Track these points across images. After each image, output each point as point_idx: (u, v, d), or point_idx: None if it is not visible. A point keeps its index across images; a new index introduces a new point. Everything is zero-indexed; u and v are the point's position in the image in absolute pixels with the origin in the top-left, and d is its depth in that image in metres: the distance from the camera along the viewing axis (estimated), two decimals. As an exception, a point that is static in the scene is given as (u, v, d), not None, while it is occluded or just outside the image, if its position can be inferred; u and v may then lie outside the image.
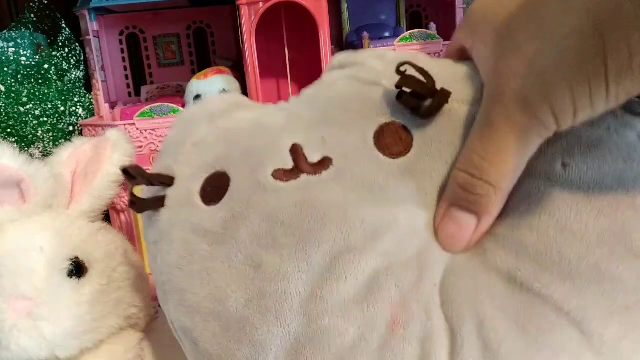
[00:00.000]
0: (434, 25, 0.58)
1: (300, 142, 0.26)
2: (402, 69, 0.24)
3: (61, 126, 0.60)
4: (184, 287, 0.26)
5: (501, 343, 0.22)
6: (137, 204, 0.28)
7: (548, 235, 0.23)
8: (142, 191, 0.29)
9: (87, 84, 0.63)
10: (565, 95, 0.20)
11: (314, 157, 0.25)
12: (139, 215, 0.56)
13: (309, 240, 0.24)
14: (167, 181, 0.28)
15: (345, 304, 0.23)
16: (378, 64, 0.27)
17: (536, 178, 0.23)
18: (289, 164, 0.25)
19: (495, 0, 0.23)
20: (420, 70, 0.24)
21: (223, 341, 0.25)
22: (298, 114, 0.28)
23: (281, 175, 0.25)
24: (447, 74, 0.25)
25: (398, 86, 0.24)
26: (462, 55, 0.27)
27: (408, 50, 0.55)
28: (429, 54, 0.56)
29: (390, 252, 0.24)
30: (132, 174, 0.28)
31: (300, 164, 0.25)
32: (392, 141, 0.25)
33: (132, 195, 0.29)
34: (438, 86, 0.24)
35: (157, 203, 0.28)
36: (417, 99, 0.24)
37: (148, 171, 0.29)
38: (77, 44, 0.63)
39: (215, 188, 0.26)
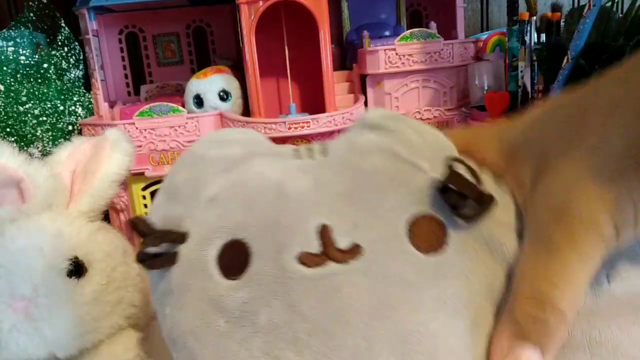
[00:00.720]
0: (434, 24, 0.58)
1: (329, 224, 0.24)
2: (450, 164, 0.23)
3: (60, 125, 0.59)
4: (196, 353, 0.25)
5: None
6: (148, 262, 0.27)
7: (600, 355, 0.22)
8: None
9: (87, 83, 0.63)
10: (628, 209, 0.20)
11: (342, 243, 0.24)
12: (139, 213, 0.56)
13: (332, 344, 0.22)
14: (179, 240, 0.26)
15: None
16: (415, 137, 0.26)
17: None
18: (315, 247, 0.24)
19: (523, 129, 0.23)
20: (469, 169, 0.23)
21: None
22: (326, 183, 0.25)
23: (307, 260, 0.23)
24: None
25: (445, 182, 0.23)
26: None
27: (409, 49, 0.55)
28: (429, 52, 0.56)
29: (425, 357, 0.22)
30: (141, 230, 0.27)
31: (328, 250, 0.24)
32: (426, 235, 0.24)
33: (142, 251, 0.27)
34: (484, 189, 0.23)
35: (169, 261, 0.26)
36: (461, 198, 0.23)
37: (154, 212, 0.28)
38: (77, 43, 0.63)
39: (234, 260, 0.25)
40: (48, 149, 0.58)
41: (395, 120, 0.27)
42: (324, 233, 0.24)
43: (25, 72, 0.59)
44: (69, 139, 0.45)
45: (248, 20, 0.51)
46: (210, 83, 0.56)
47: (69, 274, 0.37)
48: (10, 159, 0.37)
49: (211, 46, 0.68)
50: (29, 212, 0.38)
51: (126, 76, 0.67)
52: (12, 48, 0.59)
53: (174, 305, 0.26)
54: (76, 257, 0.37)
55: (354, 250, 0.23)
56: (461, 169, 0.23)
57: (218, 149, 0.28)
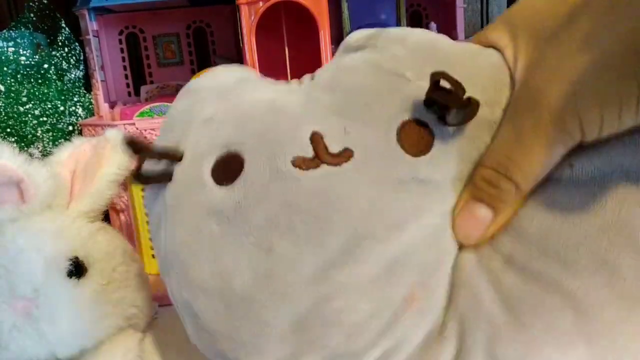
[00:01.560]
0: (434, 25, 0.58)
1: (320, 131, 0.25)
2: (433, 79, 0.24)
3: (61, 126, 0.60)
4: (189, 264, 0.26)
5: (501, 325, 0.23)
6: (142, 177, 0.27)
7: (549, 225, 0.23)
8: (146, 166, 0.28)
9: (87, 83, 0.63)
10: (595, 112, 0.20)
11: (334, 148, 0.25)
12: (139, 213, 0.56)
13: (328, 228, 0.24)
14: (176, 157, 0.27)
15: (362, 285, 0.24)
16: (399, 50, 0.27)
17: (544, 180, 0.24)
18: (309, 152, 0.25)
19: (540, 9, 0.24)
20: (452, 81, 0.24)
21: (226, 318, 0.25)
22: (316, 98, 0.27)
23: (301, 163, 0.25)
24: (471, 68, 0.26)
25: (428, 97, 0.24)
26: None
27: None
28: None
29: (411, 242, 0.24)
30: (137, 147, 0.27)
31: (321, 154, 0.25)
32: (414, 139, 0.25)
33: (137, 167, 0.27)
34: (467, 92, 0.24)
35: (164, 178, 0.27)
36: (445, 108, 0.24)
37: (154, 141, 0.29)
38: (77, 44, 0.63)
39: (227, 169, 0.26)
40: (48, 150, 0.58)
41: (376, 36, 0.28)
42: (316, 139, 0.25)
43: (25, 72, 0.59)
44: (69, 140, 0.45)
45: (248, 20, 0.51)
46: (211, 83, 0.56)
47: (69, 274, 0.37)
48: (10, 159, 0.37)
49: (211, 46, 0.68)
50: (29, 212, 0.38)
51: (126, 77, 0.67)
52: (13, 48, 0.59)
53: (168, 223, 0.27)
54: (76, 257, 0.37)
55: (346, 154, 0.25)
56: (445, 82, 0.24)
57: (212, 79, 0.30)
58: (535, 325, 0.23)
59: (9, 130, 0.58)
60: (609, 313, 0.22)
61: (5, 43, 0.59)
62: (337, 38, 0.63)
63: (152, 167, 0.28)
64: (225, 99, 0.28)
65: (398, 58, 0.26)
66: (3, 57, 0.59)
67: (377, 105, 0.25)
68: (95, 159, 0.42)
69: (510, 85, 0.25)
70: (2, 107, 0.58)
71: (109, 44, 0.65)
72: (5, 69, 0.59)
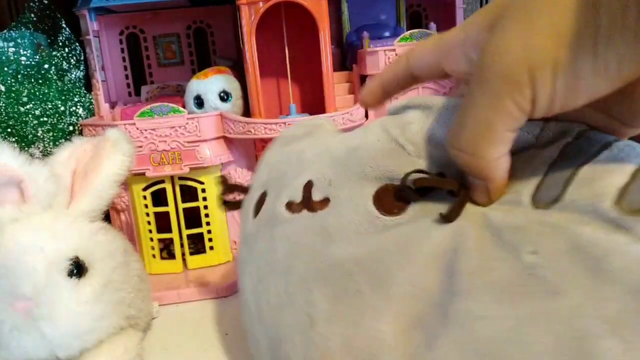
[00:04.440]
0: (434, 25, 0.58)
1: (314, 180, 0.30)
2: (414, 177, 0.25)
3: (61, 126, 0.60)
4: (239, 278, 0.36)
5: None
6: (229, 205, 0.40)
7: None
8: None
9: (87, 83, 0.63)
10: (547, 55, 0.19)
11: (317, 196, 0.29)
12: (139, 213, 0.56)
13: (288, 269, 0.28)
14: (245, 191, 0.37)
15: (305, 325, 0.27)
16: (415, 122, 0.28)
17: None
18: (299, 197, 0.30)
19: (487, 7, 0.23)
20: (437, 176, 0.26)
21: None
22: (331, 150, 0.30)
23: (290, 207, 0.30)
24: None
25: (418, 186, 0.25)
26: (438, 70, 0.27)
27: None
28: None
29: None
30: (225, 184, 0.40)
31: (305, 200, 0.29)
32: (389, 203, 0.27)
33: (225, 199, 0.40)
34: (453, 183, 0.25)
35: (236, 206, 0.39)
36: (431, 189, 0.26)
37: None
38: (77, 44, 0.63)
39: (259, 205, 0.34)
40: (49, 150, 0.58)
41: (408, 106, 0.29)
42: (307, 187, 0.30)
43: (26, 72, 0.60)
44: (69, 140, 0.45)
45: (248, 20, 0.52)
46: (211, 83, 0.56)
47: (69, 274, 0.37)
48: (11, 159, 0.37)
49: (211, 47, 0.68)
50: (29, 212, 0.38)
51: (127, 77, 0.67)
52: (13, 49, 0.59)
53: (241, 237, 0.36)
54: (77, 257, 0.38)
55: (323, 202, 0.29)
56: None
57: (290, 131, 0.37)
58: None
59: (9, 130, 0.58)
60: None
61: (5, 43, 0.59)
62: (337, 38, 0.64)
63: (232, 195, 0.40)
64: (285, 147, 0.35)
65: (408, 130, 0.27)
66: (3, 57, 0.59)
67: (369, 164, 0.28)
68: (96, 159, 0.42)
69: None
70: (3, 107, 0.58)
71: (110, 44, 0.65)
72: (5, 69, 0.59)
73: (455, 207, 0.24)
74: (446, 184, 0.25)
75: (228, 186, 0.40)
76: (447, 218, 0.24)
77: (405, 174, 0.25)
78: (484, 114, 0.21)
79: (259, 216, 0.33)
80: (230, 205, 0.40)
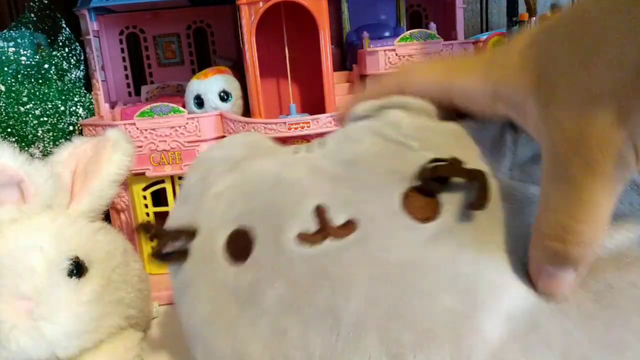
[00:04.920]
0: (434, 25, 0.58)
1: (324, 203, 0.25)
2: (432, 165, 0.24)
3: (61, 126, 0.60)
4: (211, 341, 0.26)
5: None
6: (161, 258, 0.29)
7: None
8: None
9: (87, 83, 0.63)
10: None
11: (338, 220, 0.25)
12: (139, 213, 0.56)
13: (332, 312, 0.23)
14: (190, 236, 0.28)
15: None
16: (403, 119, 0.26)
17: None
18: (312, 226, 0.25)
19: (517, 56, 0.22)
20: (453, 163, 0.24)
21: None
22: (322, 168, 0.27)
23: (305, 238, 0.25)
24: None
25: (433, 174, 0.24)
26: (445, 98, 0.26)
27: (408, 50, 0.56)
28: (428, 53, 0.56)
29: (420, 329, 0.22)
30: (153, 233, 0.29)
31: (324, 228, 0.25)
32: (420, 205, 0.24)
33: (156, 248, 0.29)
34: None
35: (182, 257, 0.28)
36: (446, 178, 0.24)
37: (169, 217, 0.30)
38: (77, 44, 0.63)
39: (239, 247, 0.26)
40: (49, 149, 0.58)
41: (382, 106, 0.27)
42: (320, 212, 0.25)
43: (26, 72, 0.60)
44: (69, 140, 0.45)
45: (248, 20, 0.52)
46: (211, 83, 0.56)
47: (69, 274, 0.37)
48: (11, 159, 0.37)
49: (211, 47, 0.68)
50: (29, 212, 0.38)
51: (127, 77, 0.67)
52: (13, 49, 0.59)
53: (190, 297, 0.28)
54: (77, 257, 0.38)
55: (349, 226, 0.24)
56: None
57: (221, 150, 0.30)
58: None
59: (9, 130, 0.58)
60: None
61: (5, 43, 0.59)
62: (337, 38, 0.63)
63: (170, 245, 0.29)
64: (234, 172, 0.29)
65: (400, 126, 0.26)
66: (3, 57, 0.59)
67: (382, 173, 0.25)
68: (96, 159, 0.42)
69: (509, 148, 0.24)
70: (3, 107, 0.58)
71: (110, 44, 0.65)
72: (5, 69, 0.59)
73: (481, 192, 0.23)
74: (467, 171, 0.23)
75: (156, 235, 0.29)
76: (476, 206, 0.23)
77: (423, 166, 0.24)
78: (598, 196, 0.19)
79: (252, 259, 0.26)
80: (172, 259, 0.29)
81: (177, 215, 0.30)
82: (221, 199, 0.28)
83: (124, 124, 0.53)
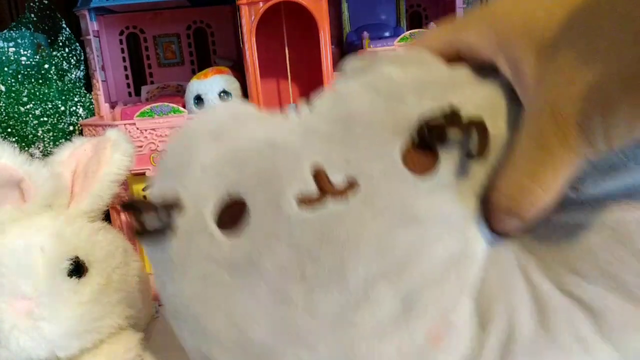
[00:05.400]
0: (434, 25, 0.58)
1: (322, 163, 0.24)
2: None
3: (61, 126, 0.60)
4: (202, 316, 0.25)
5: (539, 342, 0.23)
6: (146, 236, 0.27)
7: (558, 243, 0.23)
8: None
9: (87, 83, 0.63)
10: (623, 111, 0.19)
11: (337, 179, 0.24)
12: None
13: (341, 272, 0.23)
14: (175, 208, 0.26)
15: (381, 327, 0.23)
16: (395, 72, 0.26)
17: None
18: (311, 188, 0.24)
19: (525, 11, 0.22)
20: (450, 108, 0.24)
21: None
22: (314, 129, 0.26)
23: (305, 201, 0.24)
24: (466, 88, 0.25)
25: (430, 125, 0.24)
26: (451, 50, 0.26)
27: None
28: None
29: (426, 273, 0.23)
30: (135, 206, 0.26)
31: (324, 188, 0.24)
32: (419, 159, 0.24)
33: (139, 225, 0.26)
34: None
35: (166, 232, 0.26)
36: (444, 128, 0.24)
37: (149, 191, 0.28)
38: (77, 44, 0.63)
39: (232, 217, 0.25)
40: (49, 150, 0.58)
41: (373, 61, 0.27)
42: (318, 173, 0.24)
43: (26, 72, 0.60)
44: (69, 140, 0.45)
45: (248, 20, 0.52)
46: (211, 84, 0.56)
47: (69, 274, 0.37)
48: (11, 159, 0.37)
49: (212, 47, 0.68)
50: (29, 212, 0.38)
51: (127, 77, 0.67)
52: (13, 49, 0.59)
53: (175, 275, 0.26)
54: (77, 257, 0.38)
55: (351, 185, 0.24)
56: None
57: (206, 123, 0.29)
58: (566, 338, 0.22)
59: (9, 130, 0.58)
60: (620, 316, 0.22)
61: (5, 43, 0.59)
62: (337, 38, 0.64)
63: (152, 220, 0.26)
64: (221, 141, 0.27)
65: (395, 81, 0.26)
66: (4, 57, 0.59)
67: (378, 130, 0.25)
68: (96, 159, 0.42)
69: (505, 96, 0.24)
70: (3, 107, 0.58)
71: (110, 44, 0.65)
72: (6, 69, 0.59)
73: (482, 141, 0.23)
74: (465, 120, 0.23)
75: (143, 208, 0.26)
76: (476, 155, 0.23)
77: (419, 119, 0.23)
78: (563, 167, 0.21)
79: (248, 227, 0.25)
80: (156, 234, 0.26)
81: (159, 191, 0.27)
82: (208, 170, 0.26)
83: (124, 124, 0.53)
